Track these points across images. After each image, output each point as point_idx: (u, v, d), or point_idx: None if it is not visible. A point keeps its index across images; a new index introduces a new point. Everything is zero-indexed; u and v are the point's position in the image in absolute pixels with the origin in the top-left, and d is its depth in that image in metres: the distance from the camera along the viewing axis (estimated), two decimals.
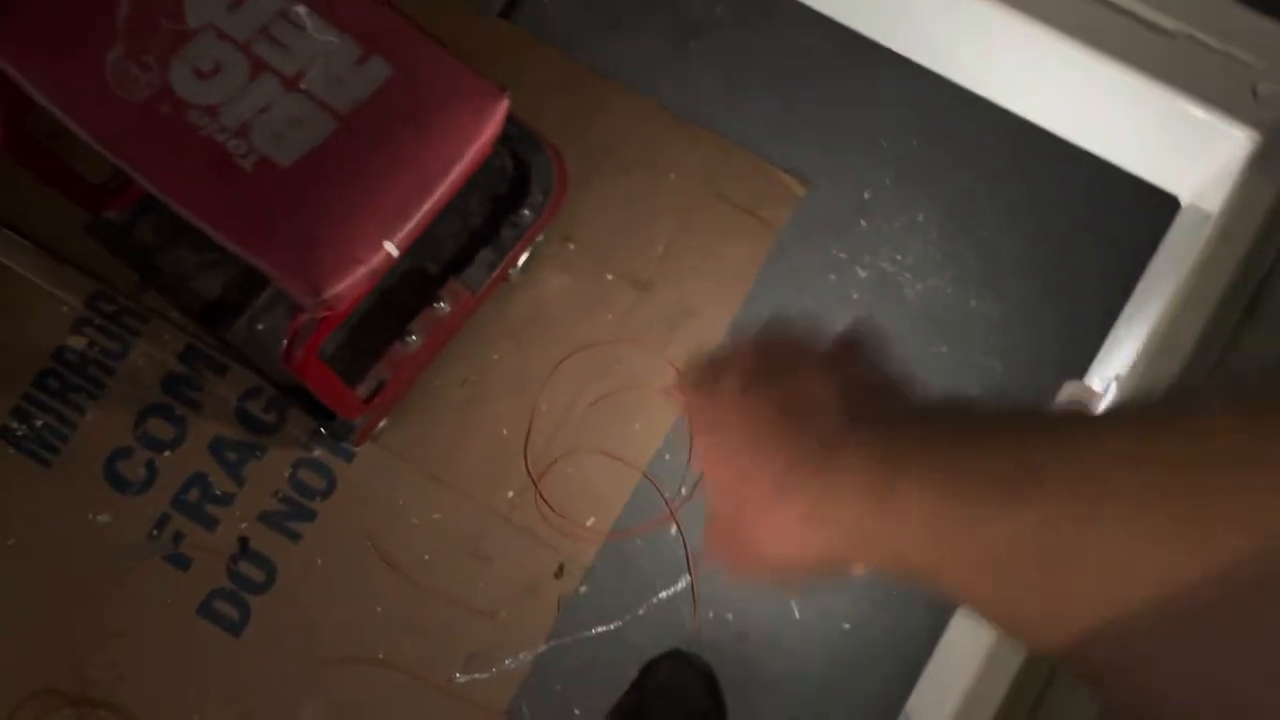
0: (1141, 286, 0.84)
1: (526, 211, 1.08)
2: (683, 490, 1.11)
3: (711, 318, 1.15)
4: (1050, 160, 1.07)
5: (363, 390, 1.04)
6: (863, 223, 1.18)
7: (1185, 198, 0.86)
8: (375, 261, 0.82)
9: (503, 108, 0.86)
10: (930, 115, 1.18)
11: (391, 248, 0.83)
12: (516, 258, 1.11)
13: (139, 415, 1.11)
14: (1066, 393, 0.75)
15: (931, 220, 1.17)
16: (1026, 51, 0.89)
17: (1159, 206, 0.90)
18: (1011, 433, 0.41)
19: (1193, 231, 0.77)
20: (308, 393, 1.03)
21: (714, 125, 1.20)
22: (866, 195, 1.18)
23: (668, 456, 1.12)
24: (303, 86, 0.82)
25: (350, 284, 0.82)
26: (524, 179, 1.09)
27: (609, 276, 1.16)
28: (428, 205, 0.84)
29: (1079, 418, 0.42)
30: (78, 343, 1.12)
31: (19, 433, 1.10)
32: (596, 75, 1.21)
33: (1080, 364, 1.00)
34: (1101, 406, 0.75)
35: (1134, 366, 0.69)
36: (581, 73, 1.21)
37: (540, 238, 1.12)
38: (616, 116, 1.20)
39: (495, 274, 1.08)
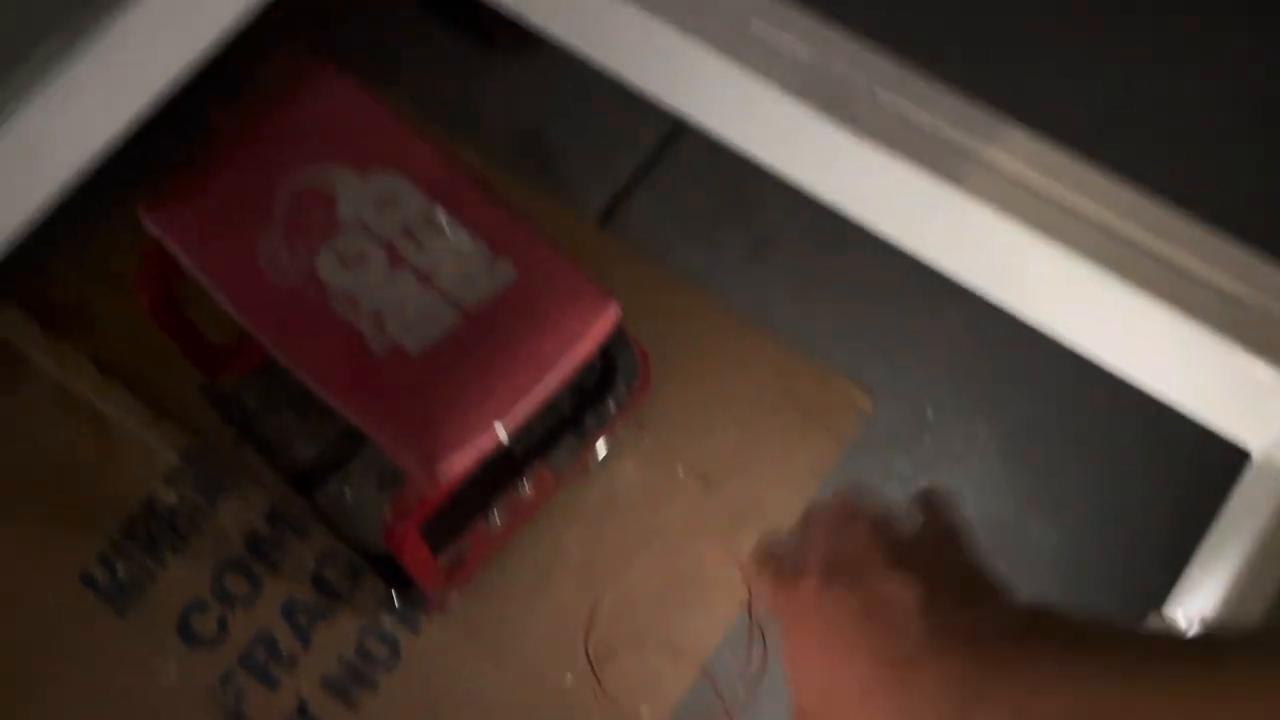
0: (1216, 532, 0.88)
1: (611, 404, 1.14)
2: (741, 690, 1.12)
3: (776, 520, 1.19)
4: (1114, 396, 1.13)
5: (442, 563, 1.07)
6: (925, 439, 1.23)
7: (1256, 451, 0.91)
8: (485, 444, 0.88)
9: (612, 313, 0.94)
10: (996, 343, 1.24)
11: (501, 433, 0.88)
12: (595, 446, 1.16)
13: (218, 571, 1.14)
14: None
15: (991, 443, 1.22)
16: (1097, 298, 0.96)
17: (1227, 451, 0.95)
18: (1099, 666, 0.43)
19: (1266, 485, 0.82)
20: (386, 560, 1.06)
21: (786, 334, 1.27)
22: (930, 413, 1.24)
23: (727, 653, 1.13)
24: (436, 283, 0.90)
25: (461, 462, 0.87)
26: (610, 372, 1.15)
27: (680, 471, 1.21)
28: (537, 397, 0.90)
29: (1180, 648, 0.44)
30: (169, 495, 1.16)
31: (100, 580, 1.13)
32: (678, 280, 1.29)
33: (1141, 596, 1.03)
34: None
35: (1218, 611, 0.72)
36: (664, 277, 1.29)
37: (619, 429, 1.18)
38: (695, 320, 1.28)
39: (576, 461, 1.13)
